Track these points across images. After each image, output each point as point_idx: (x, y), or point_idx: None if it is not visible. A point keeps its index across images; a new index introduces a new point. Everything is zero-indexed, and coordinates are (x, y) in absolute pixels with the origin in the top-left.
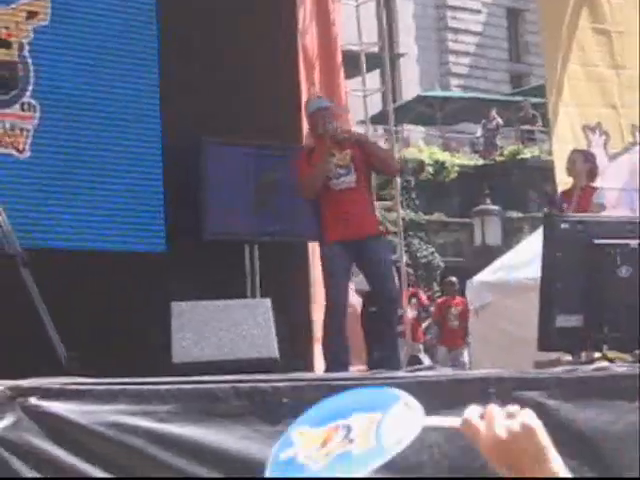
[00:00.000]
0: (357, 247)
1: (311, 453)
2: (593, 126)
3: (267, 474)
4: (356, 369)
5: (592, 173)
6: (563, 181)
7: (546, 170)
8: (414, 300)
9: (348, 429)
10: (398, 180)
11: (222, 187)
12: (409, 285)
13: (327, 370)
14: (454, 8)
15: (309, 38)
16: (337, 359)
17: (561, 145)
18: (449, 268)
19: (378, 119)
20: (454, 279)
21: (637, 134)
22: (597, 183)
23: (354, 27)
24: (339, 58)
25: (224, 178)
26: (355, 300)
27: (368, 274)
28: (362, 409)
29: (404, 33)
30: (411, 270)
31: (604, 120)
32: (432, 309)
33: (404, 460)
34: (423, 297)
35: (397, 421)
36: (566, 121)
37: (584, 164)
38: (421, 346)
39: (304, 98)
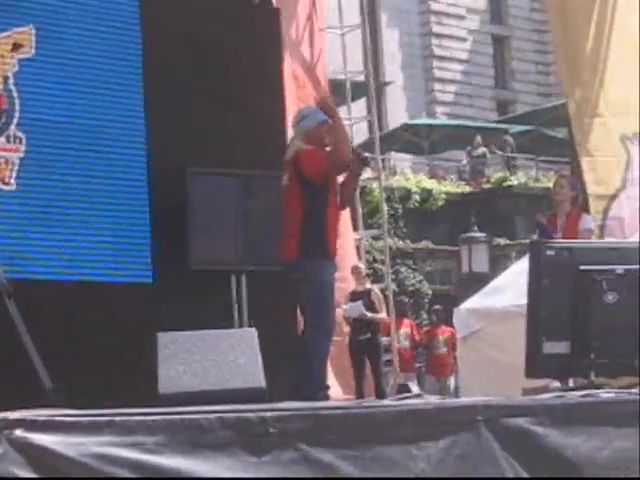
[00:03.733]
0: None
1: None
2: (630, 136)
3: None
4: (345, 398)
5: (576, 200)
6: (595, 193)
7: (533, 197)
8: (407, 329)
9: None
10: (385, 208)
11: (208, 216)
12: (403, 315)
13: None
14: (440, 36)
15: (297, 66)
16: (324, 384)
17: (596, 157)
18: (437, 296)
19: (364, 147)
20: (439, 307)
21: None
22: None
23: (340, 55)
24: (326, 87)
25: (210, 207)
26: (344, 328)
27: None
28: None
29: (390, 61)
30: (406, 299)
31: None
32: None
33: None
34: (415, 332)
35: None
36: (602, 132)
37: (570, 191)
38: (414, 375)
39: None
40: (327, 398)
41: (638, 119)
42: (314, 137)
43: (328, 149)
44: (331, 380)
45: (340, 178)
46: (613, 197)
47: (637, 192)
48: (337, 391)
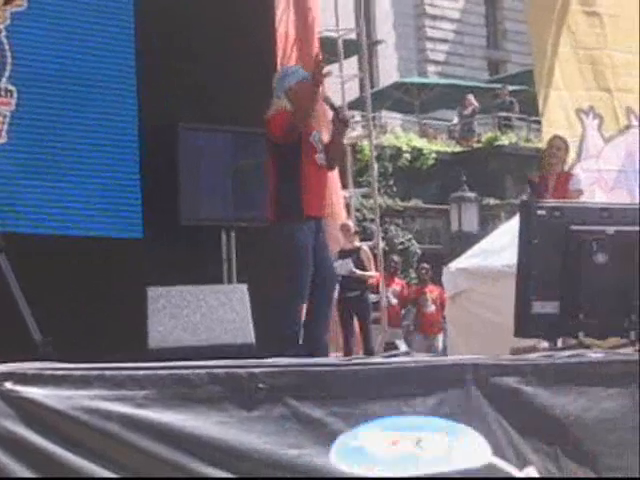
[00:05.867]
0: (317, 226)
1: (379, 448)
2: (586, 109)
3: (333, 458)
4: (333, 355)
5: (566, 161)
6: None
7: (523, 157)
8: (397, 288)
9: (419, 439)
10: (375, 167)
11: (199, 173)
12: (392, 272)
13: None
14: None
15: (286, 24)
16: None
17: (553, 130)
18: (426, 255)
19: (355, 105)
20: (427, 266)
21: (632, 116)
22: (594, 165)
23: (332, 13)
24: (316, 44)
25: (201, 164)
26: None
27: (320, 256)
28: (435, 429)
29: (382, 20)
30: (396, 257)
31: (597, 103)
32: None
33: None
34: (405, 291)
35: (467, 446)
36: (558, 105)
37: (565, 152)
38: (400, 332)
39: None
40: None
41: (595, 94)
42: (297, 95)
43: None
44: None
45: (325, 138)
46: (570, 169)
47: (592, 164)
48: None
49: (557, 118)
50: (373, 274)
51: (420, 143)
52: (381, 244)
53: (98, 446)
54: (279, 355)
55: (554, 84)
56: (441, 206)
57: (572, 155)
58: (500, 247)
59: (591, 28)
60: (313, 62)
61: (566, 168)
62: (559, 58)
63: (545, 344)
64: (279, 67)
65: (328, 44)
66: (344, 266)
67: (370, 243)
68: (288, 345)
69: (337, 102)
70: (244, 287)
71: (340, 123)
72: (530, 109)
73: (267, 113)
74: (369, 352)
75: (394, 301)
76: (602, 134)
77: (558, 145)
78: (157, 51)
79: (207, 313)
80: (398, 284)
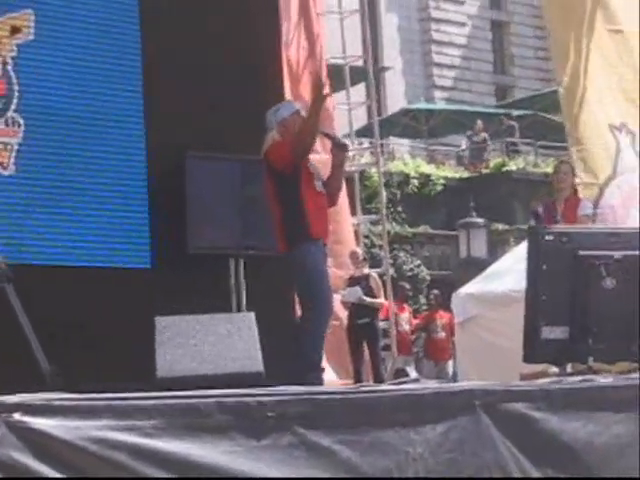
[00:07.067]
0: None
1: None
2: (618, 126)
3: None
4: (343, 383)
5: (575, 186)
6: (584, 181)
7: (532, 182)
8: (406, 314)
9: None
10: (384, 193)
11: (206, 201)
12: (401, 299)
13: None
14: (438, 21)
15: (294, 51)
16: (316, 366)
17: (585, 147)
18: (435, 281)
19: (363, 132)
20: (437, 292)
21: None
22: (630, 181)
23: (338, 40)
24: (324, 71)
25: (208, 192)
26: (342, 313)
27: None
28: None
29: (389, 46)
30: (407, 285)
31: (628, 119)
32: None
33: (388, 473)
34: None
35: None
36: (591, 121)
37: (572, 177)
38: (411, 359)
39: None
40: (320, 380)
41: (624, 109)
42: (288, 127)
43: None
44: (327, 365)
45: (326, 171)
46: (604, 186)
47: (627, 180)
48: (333, 376)
49: (589, 135)
50: (382, 301)
51: (428, 169)
52: (390, 271)
53: (107, 476)
54: (299, 381)
55: (585, 102)
56: (450, 232)
57: (607, 172)
58: (508, 272)
59: (615, 45)
60: (313, 86)
61: (601, 184)
62: (589, 76)
63: (554, 369)
64: (288, 95)
65: (335, 71)
66: (353, 293)
67: (379, 270)
68: (311, 370)
69: (345, 130)
70: (252, 315)
71: (338, 149)
72: (537, 134)
73: (263, 147)
74: (379, 379)
75: (404, 328)
76: (635, 150)
77: (565, 170)
78: (164, 81)
79: (215, 342)
80: (407, 311)
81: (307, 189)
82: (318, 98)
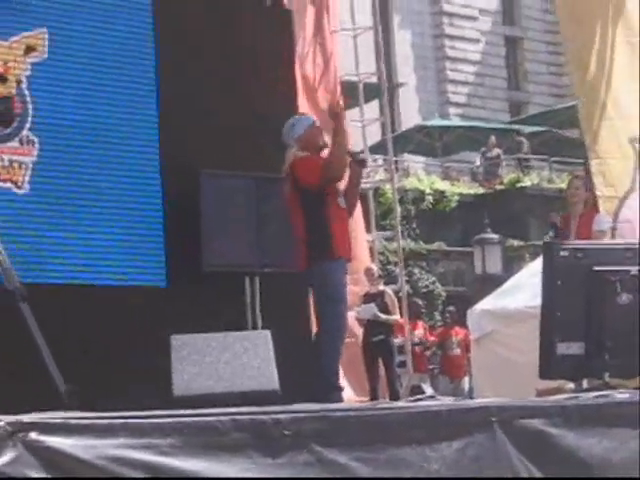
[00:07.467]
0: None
1: None
2: (638, 138)
3: None
4: (358, 400)
5: (589, 201)
6: (605, 195)
7: (546, 198)
8: (421, 331)
9: None
10: (398, 210)
11: (222, 219)
12: (416, 315)
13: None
14: (452, 37)
15: (309, 67)
16: (336, 385)
17: (605, 161)
18: (450, 297)
19: (377, 149)
20: (453, 309)
21: None
22: None
23: (352, 57)
24: (338, 88)
25: (223, 210)
26: (357, 329)
27: None
28: None
29: (402, 63)
30: (420, 301)
31: None
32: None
33: None
34: (427, 334)
35: None
36: (611, 135)
37: (585, 192)
38: (427, 376)
39: None
40: (340, 399)
41: None
42: (307, 142)
43: (325, 152)
44: (344, 382)
45: (342, 186)
46: (623, 199)
47: None
48: (350, 393)
49: (609, 149)
50: (397, 318)
51: (442, 186)
52: (405, 287)
53: None
54: (321, 401)
55: (606, 115)
56: (465, 248)
57: (626, 186)
58: (524, 288)
59: (635, 56)
60: (330, 112)
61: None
62: (610, 89)
63: (570, 385)
64: (303, 111)
65: (349, 88)
66: (368, 310)
67: (394, 286)
68: (332, 390)
69: (359, 146)
70: (268, 333)
71: (357, 164)
72: (551, 150)
73: (285, 163)
74: (394, 396)
75: (419, 345)
76: None
77: (576, 185)
78: (178, 99)
79: (231, 360)
80: (421, 327)
81: (332, 206)
82: (338, 129)
